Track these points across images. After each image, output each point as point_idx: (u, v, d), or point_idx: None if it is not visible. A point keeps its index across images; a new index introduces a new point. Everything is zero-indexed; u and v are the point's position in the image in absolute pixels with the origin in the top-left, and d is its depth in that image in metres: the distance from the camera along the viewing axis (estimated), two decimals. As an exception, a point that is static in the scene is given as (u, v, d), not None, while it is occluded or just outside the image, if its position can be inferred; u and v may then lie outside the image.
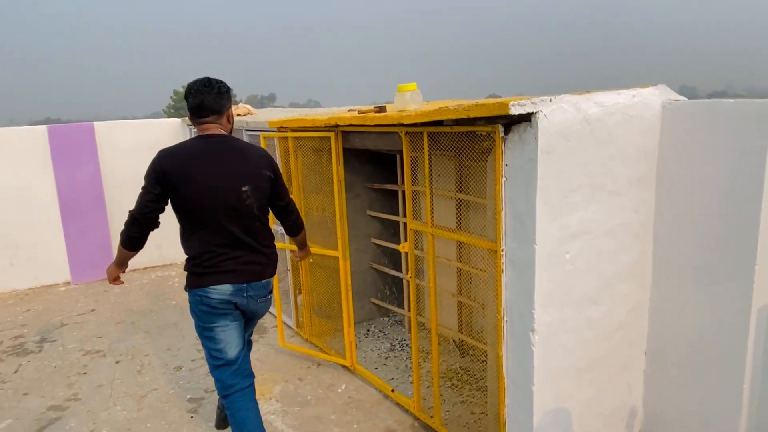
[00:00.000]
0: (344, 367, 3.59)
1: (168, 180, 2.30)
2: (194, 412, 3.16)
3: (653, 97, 2.33)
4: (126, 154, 5.79)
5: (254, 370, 2.64)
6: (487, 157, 2.36)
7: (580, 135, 2.12)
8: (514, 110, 1.94)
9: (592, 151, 2.17)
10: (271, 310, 4.62)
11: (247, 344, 2.65)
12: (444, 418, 2.86)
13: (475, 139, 2.30)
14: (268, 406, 3.18)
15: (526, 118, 2.03)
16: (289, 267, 4.14)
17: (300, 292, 4.07)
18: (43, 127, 5.52)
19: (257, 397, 2.68)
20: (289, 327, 4.28)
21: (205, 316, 2.42)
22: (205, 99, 2.43)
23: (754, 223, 2.12)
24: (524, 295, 2.18)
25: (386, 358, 3.69)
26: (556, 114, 2.04)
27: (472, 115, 2.10)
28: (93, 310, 4.92)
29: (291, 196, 2.86)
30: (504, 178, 2.17)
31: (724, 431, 2.32)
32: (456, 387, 3.23)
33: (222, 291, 2.39)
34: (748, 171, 2.10)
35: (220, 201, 2.34)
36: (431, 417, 2.86)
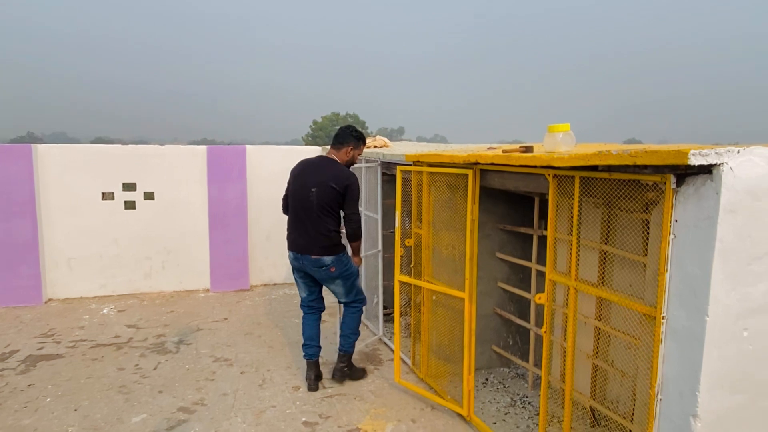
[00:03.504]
0: (460, 415, 3.40)
1: (290, 177, 3.80)
2: (307, 436, 3.17)
3: None
4: (269, 176, 6.21)
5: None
6: (649, 209, 2.11)
7: (773, 193, 1.81)
8: (694, 160, 1.70)
9: (787, 214, 1.84)
10: (388, 342, 4.59)
11: (344, 305, 3.91)
12: (570, 494, 2.56)
13: (638, 189, 2.07)
14: (379, 444, 3.09)
15: (706, 170, 1.78)
16: (410, 302, 4.07)
17: (417, 330, 3.97)
18: (204, 147, 6.13)
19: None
20: (405, 363, 4.19)
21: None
22: (340, 133, 3.81)
23: None
24: (688, 372, 1.88)
25: (506, 414, 3.43)
26: (745, 167, 1.77)
27: (639, 162, 1.89)
28: (226, 318, 5.25)
29: (419, 230, 3.84)
30: (672, 236, 1.91)
31: None
32: (585, 460, 2.89)
33: (290, 255, 3.75)
34: None
35: (300, 194, 3.65)
36: (555, 491, 2.57)
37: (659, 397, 2.00)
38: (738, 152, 1.76)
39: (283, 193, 3.85)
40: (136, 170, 5.91)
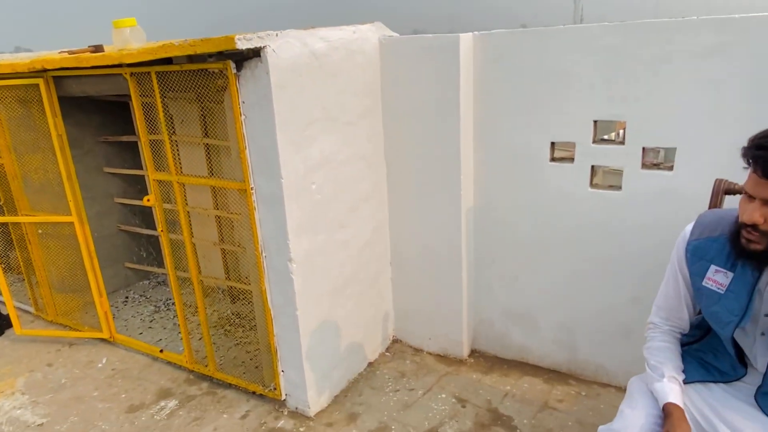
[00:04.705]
0: (103, 340, 3.28)
1: None
2: None
3: (371, 33, 2.55)
4: None
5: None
6: (224, 96, 2.31)
7: (310, 69, 2.22)
8: (241, 45, 1.92)
9: (323, 85, 2.30)
10: (-3, 297, 3.91)
11: None
12: (219, 363, 2.87)
13: (210, 78, 2.22)
14: (11, 402, 2.76)
15: (256, 53, 2.04)
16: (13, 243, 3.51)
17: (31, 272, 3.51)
18: None
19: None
20: (26, 312, 3.68)
21: None
22: None
23: (456, 142, 2.54)
24: (278, 228, 2.27)
25: (151, 321, 3.48)
26: (284, 49, 2.09)
27: (198, 51, 2.02)
28: None
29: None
30: (243, 116, 2.17)
31: (452, 313, 2.85)
32: (229, 332, 3.24)
33: None
34: (447, 97, 2.49)
35: None
36: (206, 366, 2.84)
37: (264, 254, 2.37)
38: (277, 35, 2.06)
39: None
40: None
